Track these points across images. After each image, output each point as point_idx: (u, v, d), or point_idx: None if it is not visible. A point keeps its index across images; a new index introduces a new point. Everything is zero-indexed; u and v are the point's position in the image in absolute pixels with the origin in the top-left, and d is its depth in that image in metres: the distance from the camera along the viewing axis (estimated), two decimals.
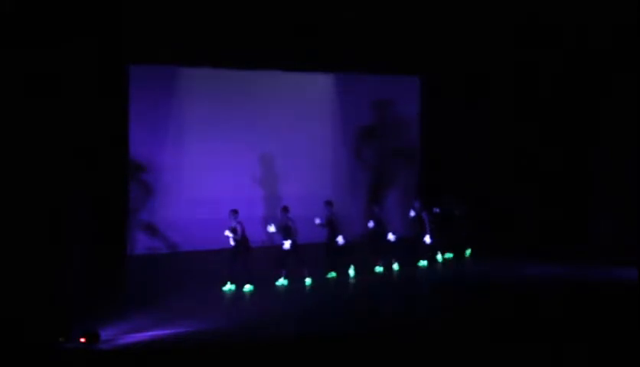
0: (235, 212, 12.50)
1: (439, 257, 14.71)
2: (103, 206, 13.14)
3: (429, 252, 14.53)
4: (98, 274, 11.92)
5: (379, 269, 13.79)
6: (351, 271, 13.52)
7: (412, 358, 8.87)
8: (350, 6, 14.81)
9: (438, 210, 14.72)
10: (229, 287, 12.34)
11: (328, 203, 13.45)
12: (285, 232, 12.69)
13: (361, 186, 17.55)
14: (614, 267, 13.89)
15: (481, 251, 15.38)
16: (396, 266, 13.95)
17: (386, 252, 13.84)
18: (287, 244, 12.60)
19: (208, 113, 15.95)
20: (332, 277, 13.24)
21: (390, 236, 13.68)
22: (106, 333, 9.41)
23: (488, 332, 9.88)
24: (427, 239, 14.24)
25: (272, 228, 12.71)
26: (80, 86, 12.94)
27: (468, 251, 15.25)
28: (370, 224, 13.72)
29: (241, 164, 16.26)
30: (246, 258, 12.40)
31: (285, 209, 12.86)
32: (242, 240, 12.35)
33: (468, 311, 11.11)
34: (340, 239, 13.16)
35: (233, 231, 12.30)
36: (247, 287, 12.33)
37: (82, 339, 9.04)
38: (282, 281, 12.74)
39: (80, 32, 12.03)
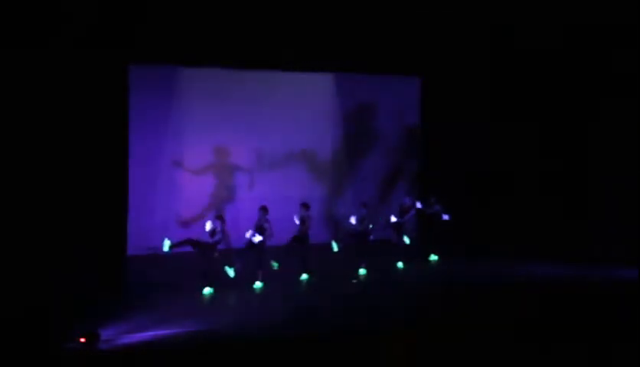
0: (265, 209, 12.44)
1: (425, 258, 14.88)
2: (103, 206, 13.14)
3: (413, 253, 14.66)
4: (98, 274, 11.92)
5: (363, 271, 13.69)
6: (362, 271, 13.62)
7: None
8: (350, 6, 14.82)
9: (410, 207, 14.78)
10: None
11: (303, 205, 13.29)
12: (260, 231, 12.46)
13: (361, 185, 17.54)
14: (614, 268, 13.90)
15: (481, 251, 15.39)
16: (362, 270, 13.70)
17: (368, 253, 13.77)
18: (257, 238, 12.29)
19: (208, 113, 15.95)
20: (305, 280, 13.10)
21: (352, 220, 13.48)
22: (106, 333, 9.41)
23: (488, 333, 9.88)
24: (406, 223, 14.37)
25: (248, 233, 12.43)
26: (80, 86, 12.98)
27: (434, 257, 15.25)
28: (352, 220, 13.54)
29: (240, 164, 16.29)
30: (212, 259, 12.20)
31: (264, 210, 12.64)
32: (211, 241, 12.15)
33: (467, 311, 11.11)
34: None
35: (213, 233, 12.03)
36: (208, 290, 12.09)
37: (82, 339, 9.04)
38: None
39: (80, 32, 12.06)
